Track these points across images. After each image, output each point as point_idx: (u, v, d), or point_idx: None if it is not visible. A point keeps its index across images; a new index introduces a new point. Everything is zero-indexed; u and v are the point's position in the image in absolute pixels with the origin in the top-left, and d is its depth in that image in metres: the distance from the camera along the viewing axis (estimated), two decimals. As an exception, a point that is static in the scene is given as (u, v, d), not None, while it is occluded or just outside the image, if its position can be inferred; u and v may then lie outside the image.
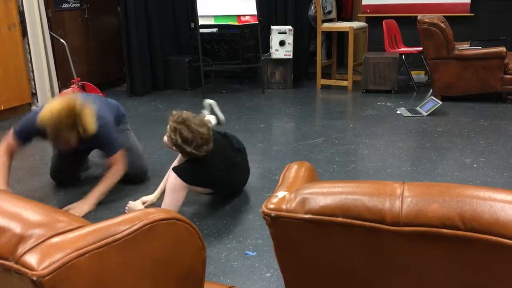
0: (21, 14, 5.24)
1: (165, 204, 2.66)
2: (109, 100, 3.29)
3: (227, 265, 2.29)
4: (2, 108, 4.97)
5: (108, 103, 3.19)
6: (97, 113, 2.86)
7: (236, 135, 3.12)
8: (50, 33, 5.61)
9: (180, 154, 2.86)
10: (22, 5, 5.23)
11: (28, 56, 5.36)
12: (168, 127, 2.68)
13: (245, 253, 2.39)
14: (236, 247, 2.44)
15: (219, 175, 2.79)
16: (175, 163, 2.98)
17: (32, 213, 0.83)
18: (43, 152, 3.91)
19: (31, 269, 0.72)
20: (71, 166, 3.30)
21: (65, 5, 5.95)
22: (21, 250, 0.75)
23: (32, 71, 5.39)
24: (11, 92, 5.09)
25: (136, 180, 3.27)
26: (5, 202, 0.88)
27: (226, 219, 2.75)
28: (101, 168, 3.37)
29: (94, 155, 3.44)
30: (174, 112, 2.70)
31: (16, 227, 0.79)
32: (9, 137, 2.88)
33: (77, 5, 6.14)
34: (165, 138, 2.79)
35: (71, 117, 2.65)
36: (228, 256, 2.37)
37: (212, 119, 3.44)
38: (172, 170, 2.70)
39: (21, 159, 3.72)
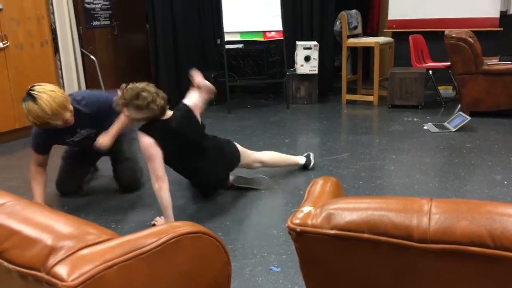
0: (53, 31, 5.41)
1: (153, 169, 2.76)
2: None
3: (252, 280, 2.28)
4: (34, 123, 5.11)
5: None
6: (80, 94, 3.13)
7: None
8: (81, 50, 5.77)
9: None
10: (55, 22, 5.41)
11: (60, 72, 5.52)
12: (129, 109, 2.77)
13: (270, 269, 2.37)
14: (261, 262, 2.43)
15: (179, 137, 2.92)
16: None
17: (63, 225, 0.86)
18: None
19: (61, 280, 0.74)
20: (76, 178, 3.49)
21: (95, 23, 6.12)
22: (52, 261, 0.77)
23: (63, 87, 5.54)
24: (43, 107, 5.23)
25: (129, 190, 3.42)
26: (37, 214, 0.91)
27: (251, 234, 2.74)
28: (105, 180, 3.67)
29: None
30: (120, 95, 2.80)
31: (48, 239, 0.81)
32: (33, 157, 3.12)
33: (107, 22, 6.31)
34: (132, 115, 2.83)
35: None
36: (252, 271, 2.36)
37: (302, 160, 3.72)
38: (138, 136, 2.83)
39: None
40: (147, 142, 2.79)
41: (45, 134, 3.03)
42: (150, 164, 2.79)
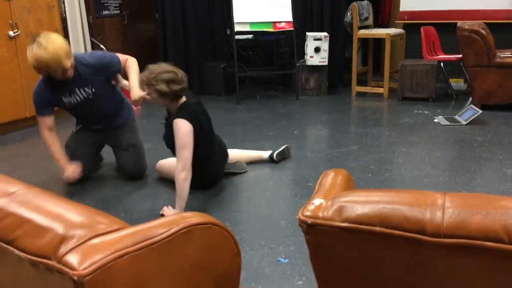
0: (64, 20, 5.42)
1: (182, 157, 2.80)
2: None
3: (259, 271, 2.29)
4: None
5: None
6: (83, 54, 3.32)
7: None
8: (90, 39, 5.78)
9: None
10: (65, 11, 5.41)
11: (70, 61, 5.54)
12: (148, 88, 2.88)
13: (277, 260, 2.38)
14: (268, 254, 2.43)
15: (204, 123, 3.02)
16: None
17: (74, 214, 0.86)
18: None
19: (72, 268, 0.74)
20: (83, 162, 3.48)
21: (105, 12, 6.12)
22: (63, 250, 0.77)
23: (73, 76, 5.56)
24: (53, 96, 5.26)
25: (135, 178, 3.48)
26: (48, 202, 0.91)
27: (259, 225, 2.75)
28: (113, 170, 3.72)
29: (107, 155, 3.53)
30: (141, 80, 2.92)
31: (59, 228, 0.82)
32: (40, 123, 3.23)
33: (117, 12, 6.31)
34: (153, 97, 2.92)
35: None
36: (260, 262, 2.36)
37: (266, 154, 3.76)
38: (175, 121, 2.85)
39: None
40: (187, 129, 2.83)
41: (45, 92, 3.13)
42: (182, 152, 2.80)
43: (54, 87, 3.12)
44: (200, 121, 2.95)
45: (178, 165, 2.80)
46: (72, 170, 3.28)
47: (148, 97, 3.14)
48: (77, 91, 3.18)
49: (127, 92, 3.54)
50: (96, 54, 3.28)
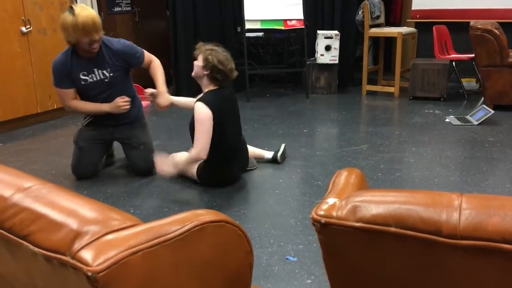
0: (76, 16, 5.44)
1: (200, 141, 2.90)
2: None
3: (268, 269, 2.29)
4: (55, 107, 5.17)
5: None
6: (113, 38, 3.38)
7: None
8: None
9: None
10: (77, 8, 5.43)
11: (81, 57, 5.56)
12: (201, 53, 3.03)
13: (286, 258, 2.37)
14: (277, 252, 2.43)
15: (229, 118, 3.09)
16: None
17: (88, 210, 0.86)
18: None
19: (87, 264, 0.74)
20: (91, 159, 3.49)
21: (117, 9, 6.14)
22: (77, 245, 0.78)
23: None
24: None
25: (145, 174, 3.51)
26: (62, 198, 0.91)
27: (268, 223, 2.74)
28: (123, 166, 3.73)
29: (118, 152, 3.60)
30: (200, 44, 3.10)
31: (73, 223, 0.82)
32: (64, 97, 3.30)
33: (128, 8, 6.32)
34: (197, 63, 3.06)
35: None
36: (268, 260, 2.36)
37: (268, 154, 3.73)
38: (196, 104, 2.96)
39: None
40: (207, 115, 2.91)
41: (66, 63, 3.20)
42: (201, 136, 2.90)
43: (76, 61, 3.20)
44: (222, 110, 3.00)
45: (195, 146, 2.92)
46: (121, 103, 3.30)
47: (172, 102, 3.31)
48: (96, 71, 3.25)
49: (138, 87, 3.57)
50: (123, 42, 3.34)
